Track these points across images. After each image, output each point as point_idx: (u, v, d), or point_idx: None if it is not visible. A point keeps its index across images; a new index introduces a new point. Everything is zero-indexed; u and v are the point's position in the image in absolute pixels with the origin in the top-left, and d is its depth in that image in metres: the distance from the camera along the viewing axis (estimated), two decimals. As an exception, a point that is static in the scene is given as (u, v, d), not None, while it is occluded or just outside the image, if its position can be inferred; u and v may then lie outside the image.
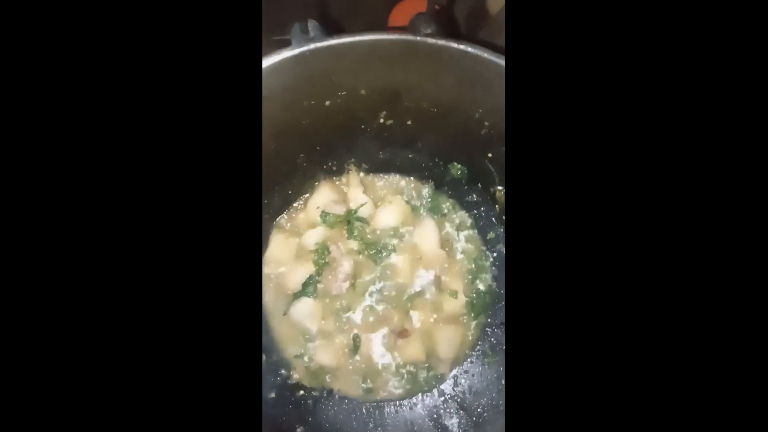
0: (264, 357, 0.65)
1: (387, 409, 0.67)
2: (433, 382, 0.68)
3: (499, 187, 0.64)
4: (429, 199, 0.70)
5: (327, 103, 0.55)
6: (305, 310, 0.64)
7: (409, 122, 0.60)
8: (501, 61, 0.47)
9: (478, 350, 0.69)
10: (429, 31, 0.45)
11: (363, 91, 0.54)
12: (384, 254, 0.67)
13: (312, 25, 0.44)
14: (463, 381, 0.68)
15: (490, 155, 0.61)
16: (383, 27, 0.65)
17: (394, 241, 0.68)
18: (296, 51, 0.44)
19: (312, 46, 0.44)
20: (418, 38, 0.45)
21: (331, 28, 0.45)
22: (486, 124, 0.57)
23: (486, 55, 0.46)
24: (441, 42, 0.45)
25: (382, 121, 0.60)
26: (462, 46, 0.46)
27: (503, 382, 0.65)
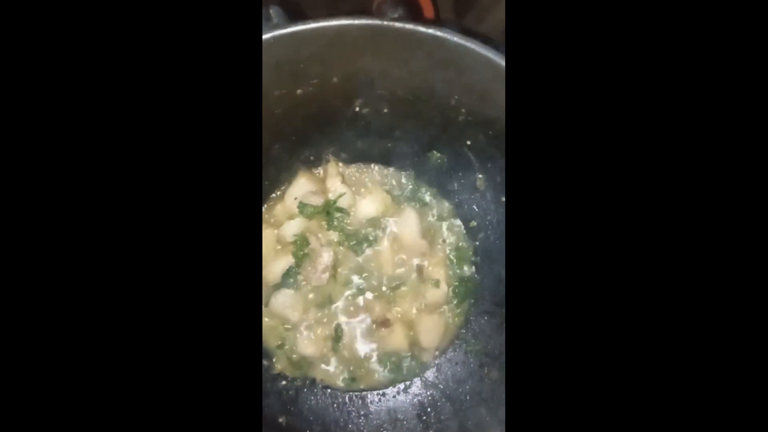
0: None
1: (370, 398, 0.68)
2: (417, 371, 0.68)
3: (479, 175, 0.63)
4: (409, 188, 0.69)
5: (298, 91, 0.53)
6: (286, 301, 0.64)
7: (385, 110, 0.59)
8: (472, 45, 0.45)
9: (461, 339, 0.69)
10: (396, 15, 0.43)
11: (335, 79, 0.53)
12: (365, 245, 0.67)
13: (274, 11, 0.42)
14: (446, 369, 0.69)
15: (469, 143, 0.60)
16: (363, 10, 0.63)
17: (375, 231, 0.67)
18: (259, 38, 0.43)
19: (275, 32, 0.43)
20: (385, 23, 0.43)
21: (295, 14, 0.43)
22: (463, 111, 0.55)
23: (456, 39, 0.45)
24: (408, 26, 0.44)
25: (357, 109, 0.59)
26: (431, 30, 0.44)
27: (486, 370, 0.65)
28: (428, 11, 0.63)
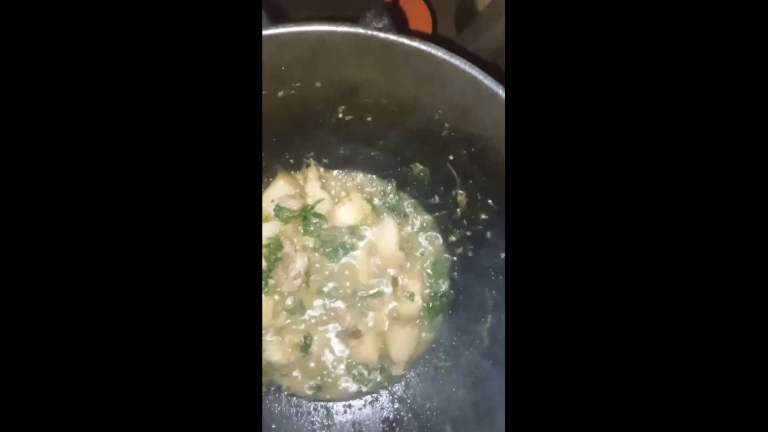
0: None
1: (335, 409, 0.67)
2: (385, 384, 0.67)
3: (461, 191, 0.63)
4: (390, 198, 0.68)
5: (280, 93, 0.52)
6: (255, 305, 0.63)
7: (369, 119, 0.58)
8: (458, 62, 0.45)
9: (432, 354, 0.68)
10: (380, 25, 0.42)
11: (318, 84, 0.52)
12: (341, 252, 0.66)
13: (255, 11, 0.41)
14: (414, 384, 0.68)
15: (451, 158, 0.59)
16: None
17: (352, 240, 0.66)
18: (238, 38, 0.42)
19: (255, 33, 0.42)
20: (368, 32, 0.42)
21: (277, 15, 0.42)
22: (446, 125, 0.55)
23: (440, 54, 0.44)
24: (393, 37, 0.43)
25: (341, 116, 0.58)
26: (415, 43, 0.43)
27: (453, 389, 0.64)
28: (420, 23, 0.62)
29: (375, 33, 0.43)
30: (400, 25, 0.62)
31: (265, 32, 0.42)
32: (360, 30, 0.42)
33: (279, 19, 0.41)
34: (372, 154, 0.64)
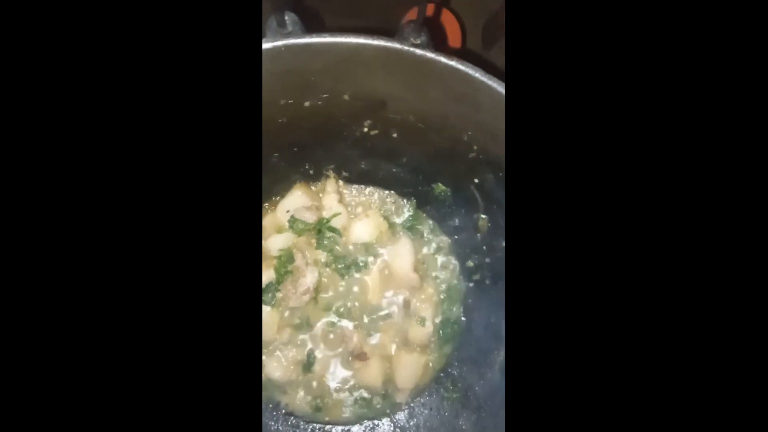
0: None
1: (334, 433, 0.64)
2: (387, 411, 0.64)
3: (483, 216, 0.60)
4: (409, 218, 0.65)
5: (306, 103, 0.51)
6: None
7: (394, 134, 0.56)
8: (493, 83, 0.43)
9: (439, 383, 0.65)
10: (418, 41, 0.41)
11: (346, 96, 0.50)
12: (353, 270, 0.63)
13: (290, 18, 0.39)
14: (418, 413, 0.64)
15: (476, 181, 0.57)
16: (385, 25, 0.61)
17: (366, 257, 0.64)
18: (269, 45, 0.40)
19: (287, 41, 0.40)
20: (405, 48, 0.41)
21: (313, 23, 0.41)
22: (475, 148, 0.53)
23: (478, 75, 0.42)
24: (429, 54, 0.41)
25: (366, 129, 0.56)
26: (452, 62, 0.42)
27: (460, 422, 0.61)
28: (454, 40, 0.61)
29: (411, 49, 0.41)
30: (437, 42, 0.60)
31: (296, 41, 0.40)
32: (396, 45, 0.41)
33: (315, 26, 0.39)
34: (393, 170, 0.62)
